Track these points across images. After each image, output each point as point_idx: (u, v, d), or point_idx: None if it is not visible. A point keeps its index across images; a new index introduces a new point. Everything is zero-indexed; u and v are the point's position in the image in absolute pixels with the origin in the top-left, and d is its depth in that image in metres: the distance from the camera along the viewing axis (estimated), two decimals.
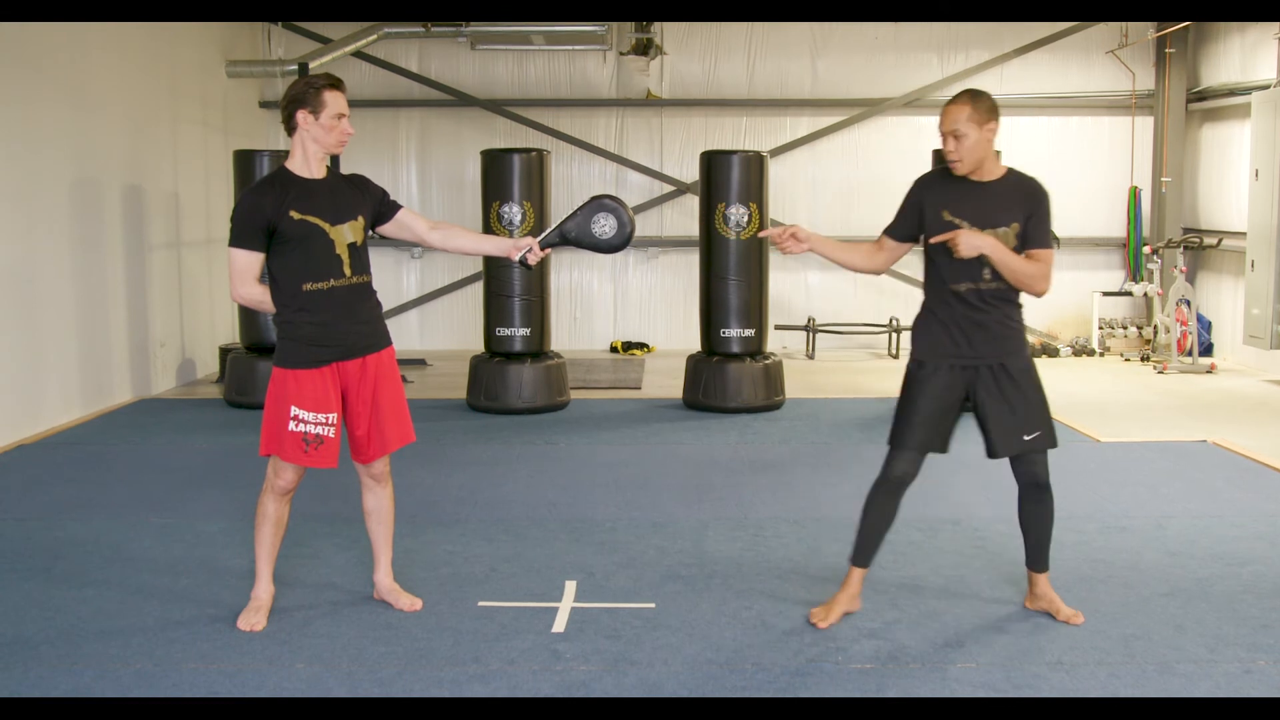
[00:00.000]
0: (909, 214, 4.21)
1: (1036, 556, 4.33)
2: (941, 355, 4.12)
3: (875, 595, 4.54)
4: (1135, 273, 12.02)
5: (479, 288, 9.61)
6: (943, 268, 4.11)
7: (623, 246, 4.43)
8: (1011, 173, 4.13)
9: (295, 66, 11.06)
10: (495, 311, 8.66)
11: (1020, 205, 4.05)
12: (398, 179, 12.28)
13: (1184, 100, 11.81)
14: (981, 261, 4.01)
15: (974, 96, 4.03)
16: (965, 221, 4.02)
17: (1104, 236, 11.98)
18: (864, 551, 4.28)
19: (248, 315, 8.99)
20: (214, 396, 9.36)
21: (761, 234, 4.45)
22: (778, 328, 11.45)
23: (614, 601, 4.48)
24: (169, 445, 7.49)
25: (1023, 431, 4.10)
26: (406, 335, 12.13)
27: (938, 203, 4.11)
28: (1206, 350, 11.32)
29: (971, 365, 4.10)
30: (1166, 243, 11.29)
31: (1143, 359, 11.28)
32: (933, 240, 4.07)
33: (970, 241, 3.94)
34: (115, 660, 3.91)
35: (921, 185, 4.23)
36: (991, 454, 4.15)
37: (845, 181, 12.25)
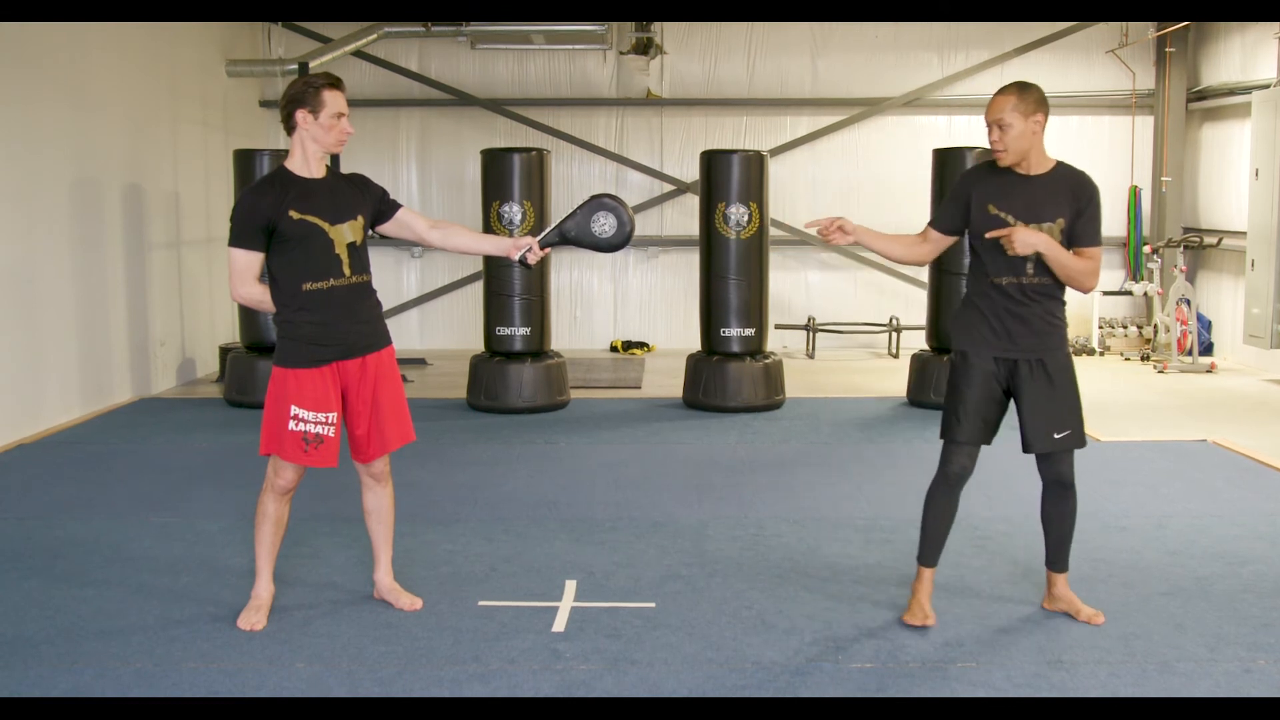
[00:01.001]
0: (955, 206, 4.19)
1: (1057, 556, 4.32)
2: (983, 346, 4.11)
3: (876, 594, 4.54)
4: (1135, 272, 12.02)
5: (479, 287, 9.61)
6: (986, 260, 4.10)
7: (622, 246, 4.43)
8: (1060, 165, 4.11)
9: (295, 66, 11.06)
10: (495, 311, 8.66)
11: (1068, 200, 4.03)
12: (398, 178, 12.29)
13: (1184, 100, 11.81)
14: (1027, 256, 4.01)
15: (1021, 88, 4.01)
16: (1012, 215, 4.01)
17: (1104, 236, 11.93)
18: (931, 551, 4.27)
19: (247, 314, 8.99)
20: (214, 396, 9.36)
21: (807, 225, 4.33)
22: (778, 327, 11.45)
23: (614, 601, 4.48)
24: (169, 445, 7.49)
25: (1054, 429, 4.10)
26: (406, 334, 12.14)
27: (984, 196, 4.09)
28: (1206, 350, 11.32)
29: (1011, 358, 4.10)
30: (1166, 242, 11.30)
31: (1143, 358, 11.29)
32: (987, 236, 4.04)
33: (1026, 239, 3.92)
34: (115, 659, 3.91)
35: (969, 177, 4.22)
36: (1026, 448, 4.15)
37: (845, 181, 12.24)
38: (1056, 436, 4.11)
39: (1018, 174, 4.08)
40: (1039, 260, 4.01)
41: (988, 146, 4.14)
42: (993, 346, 4.11)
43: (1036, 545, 4.42)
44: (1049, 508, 4.28)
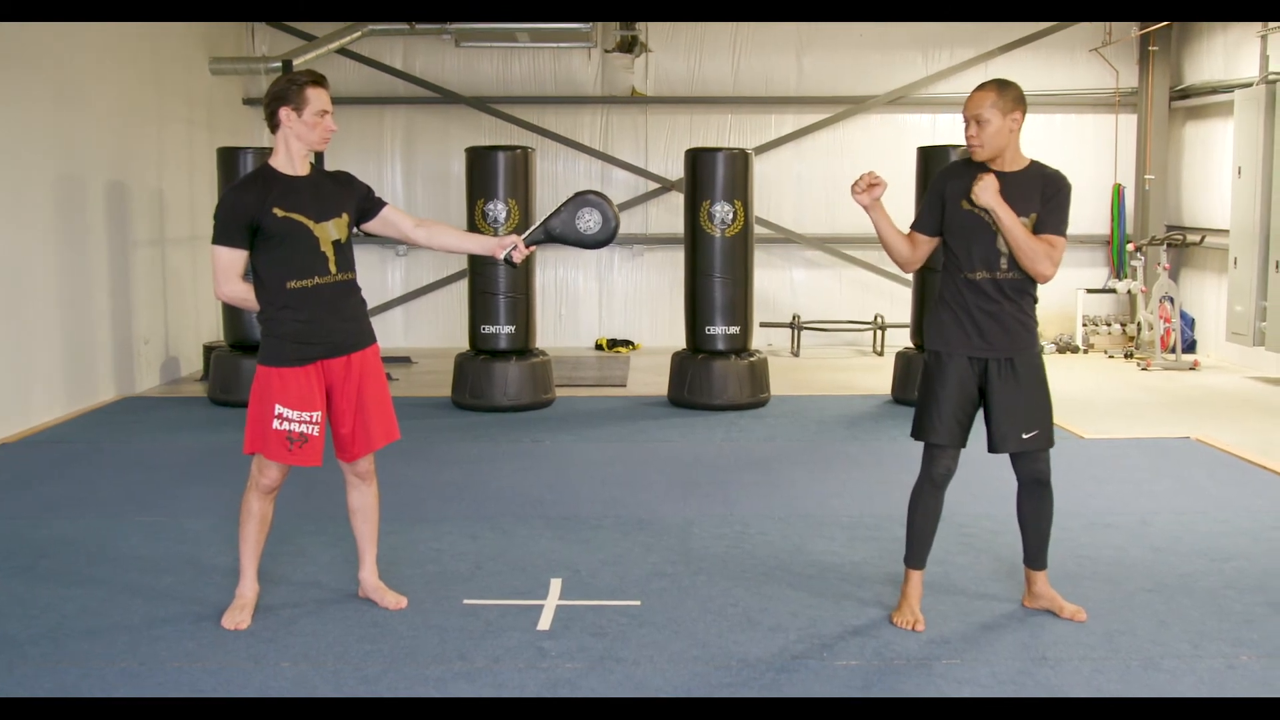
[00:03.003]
0: (933, 205, 4.16)
1: (1036, 554, 4.31)
2: (956, 346, 4.10)
3: (861, 592, 4.55)
4: (1119, 270, 12.07)
5: (464, 285, 9.60)
6: (960, 256, 4.08)
7: (608, 242, 4.43)
8: (1034, 164, 4.11)
9: (279, 64, 11.02)
10: (480, 309, 8.65)
11: (1039, 196, 4.03)
12: (383, 176, 12.26)
13: (1167, 98, 11.86)
14: (1000, 250, 4.00)
15: (1001, 85, 4.01)
16: (985, 212, 4.01)
17: (1088, 234, 12.03)
18: (919, 553, 4.26)
19: (232, 313, 8.96)
20: (198, 394, 9.34)
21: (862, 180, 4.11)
22: (763, 325, 11.46)
23: (599, 599, 4.48)
24: (153, 443, 7.46)
25: (1022, 430, 4.09)
26: (391, 333, 12.11)
27: (958, 192, 4.07)
28: (1190, 347, 11.37)
29: (983, 358, 4.09)
30: (1150, 240, 11.34)
31: (1126, 356, 11.33)
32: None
33: (990, 186, 3.91)
34: (100, 659, 3.89)
35: (943, 175, 4.20)
36: (992, 448, 4.15)
37: (831, 179, 12.24)
38: (1025, 437, 4.10)
39: (992, 171, 4.07)
40: (1013, 254, 4.01)
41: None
42: (966, 346, 4.09)
43: (1021, 543, 4.43)
44: (1027, 506, 4.27)
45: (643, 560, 4.96)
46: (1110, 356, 11.45)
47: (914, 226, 4.24)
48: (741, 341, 8.73)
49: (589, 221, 4.35)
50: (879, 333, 11.73)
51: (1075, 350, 11.69)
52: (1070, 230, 4.17)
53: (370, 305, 4.44)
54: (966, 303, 4.08)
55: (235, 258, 4.00)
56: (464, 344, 9.50)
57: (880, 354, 11.57)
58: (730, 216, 8.53)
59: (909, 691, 3.65)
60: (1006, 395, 4.08)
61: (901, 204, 10.88)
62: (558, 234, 4.34)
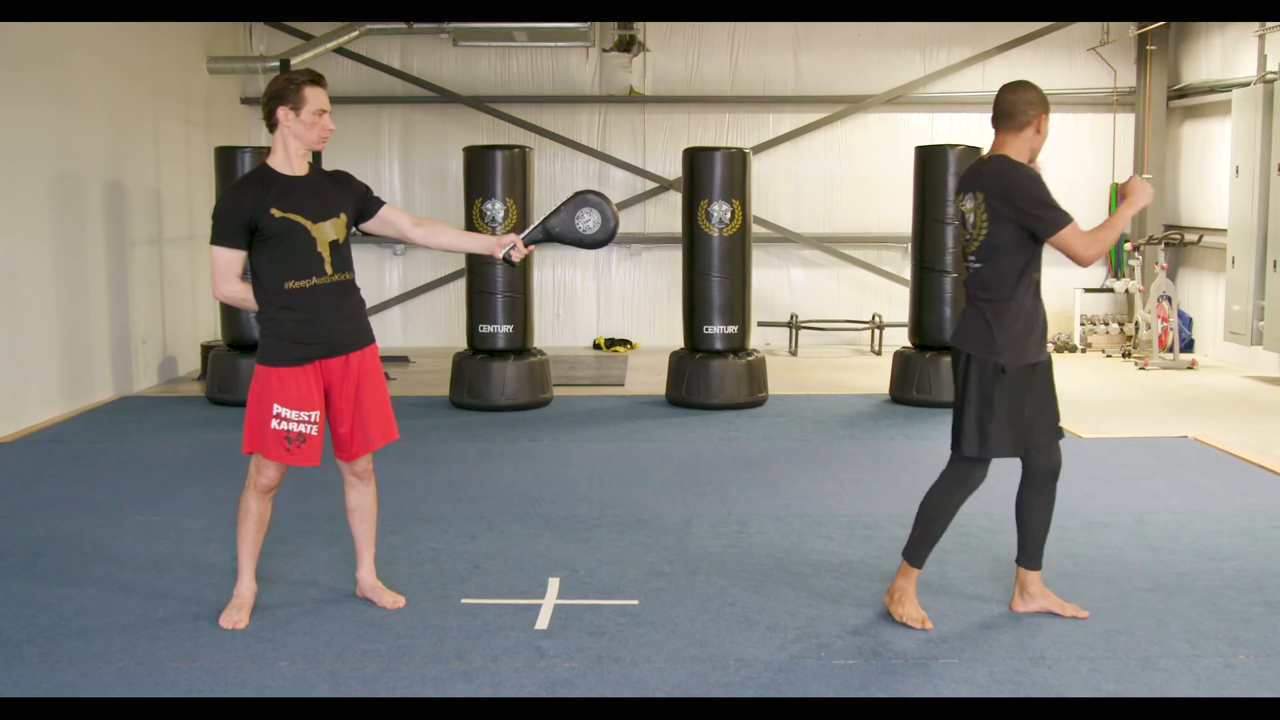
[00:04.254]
0: None
1: (1036, 552, 4.25)
2: (1028, 356, 4.02)
3: (858, 591, 4.55)
4: (1116, 269, 12.08)
5: (462, 284, 9.60)
6: (1038, 260, 4.03)
7: (607, 242, 4.43)
8: None
9: (276, 63, 11.01)
10: (478, 308, 8.64)
11: None
12: (380, 175, 12.26)
13: (1165, 97, 11.87)
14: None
15: None
16: None
17: None
18: (925, 553, 4.21)
19: (229, 312, 8.96)
20: (196, 394, 9.33)
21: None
22: (761, 324, 11.46)
23: (597, 598, 4.48)
24: (151, 443, 7.46)
25: (1057, 419, 4.16)
26: (389, 332, 12.11)
27: None
28: (1187, 346, 11.38)
29: (1036, 362, 4.07)
30: (1148, 239, 11.34)
31: (1124, 355, 11.33)
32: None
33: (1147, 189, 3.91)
34: (97, 658, 3.89)
35: (1035, 174, 4.01)
36: (1035, 444, 4.12)
37: (828, 178, 12.27)
38: (1059, 425, 4.18)
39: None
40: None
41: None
42: (1033, 354, 4.04)
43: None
44: (1035, 500, 4.21)
45: (640, 559, 4.96)
46: (1108, 356, 11.45)
47: (1071, 218, 3.94)
48: (739, 341, 8.72)
49: (588, 221, 4.35)
50: (877, 332, 11.74)
51: (1073, 350, 11.70)
52: None
53: (368, 305, 4.44)
54: (1035, 305, 4.06)
55: (233, 258, 4.00)
56: (462, 343, 9.52)
57: (878, 353, 11.57)
58: (728, 216, 8.52)
59: (907, 691, 3.65)
60: (1045, 390, 4.12)
61: (900, 204, 10.94)
62: (557, 233, 4.34)
